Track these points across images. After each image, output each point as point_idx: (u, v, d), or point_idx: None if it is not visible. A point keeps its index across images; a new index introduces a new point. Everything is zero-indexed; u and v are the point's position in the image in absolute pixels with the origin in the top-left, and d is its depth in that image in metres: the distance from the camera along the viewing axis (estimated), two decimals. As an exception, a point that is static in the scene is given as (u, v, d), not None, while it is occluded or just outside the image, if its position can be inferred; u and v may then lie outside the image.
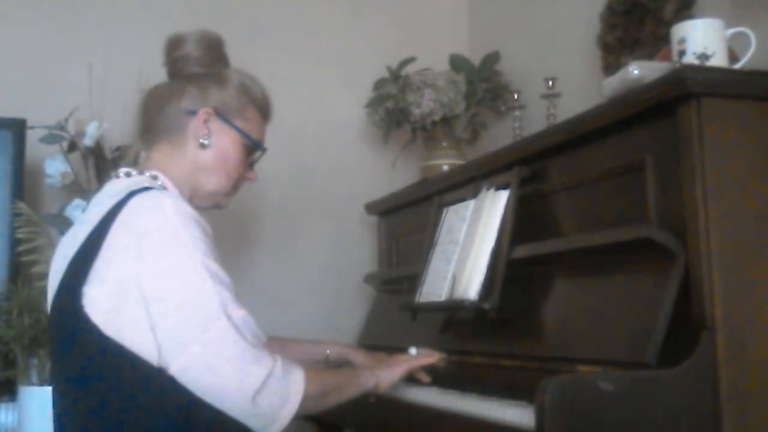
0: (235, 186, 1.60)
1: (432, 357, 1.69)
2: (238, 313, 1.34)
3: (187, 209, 1.38)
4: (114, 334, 1.31)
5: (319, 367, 1.83)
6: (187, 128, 1.52)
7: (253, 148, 1.59)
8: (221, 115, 1.53)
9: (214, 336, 1.30)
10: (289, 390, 1.35)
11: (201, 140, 1.52)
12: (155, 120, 1.54)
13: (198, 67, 1.56)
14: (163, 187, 1.47)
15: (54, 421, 1.43)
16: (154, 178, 1.49)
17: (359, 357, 1.81)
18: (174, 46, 1.59)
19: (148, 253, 1.32)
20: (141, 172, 1.49)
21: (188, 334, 1.30)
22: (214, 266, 1.35)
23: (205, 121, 1.52)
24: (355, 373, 1.58)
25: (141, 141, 1.59)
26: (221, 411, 1.32)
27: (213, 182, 1.54)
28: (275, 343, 1.77)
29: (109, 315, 1.31)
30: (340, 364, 1.84)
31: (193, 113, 1.52)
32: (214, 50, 1.59)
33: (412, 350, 1.72)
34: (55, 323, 1.43)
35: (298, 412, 1.36)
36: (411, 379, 1.69)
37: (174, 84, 1.57)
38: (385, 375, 1.59)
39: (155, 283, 1.31)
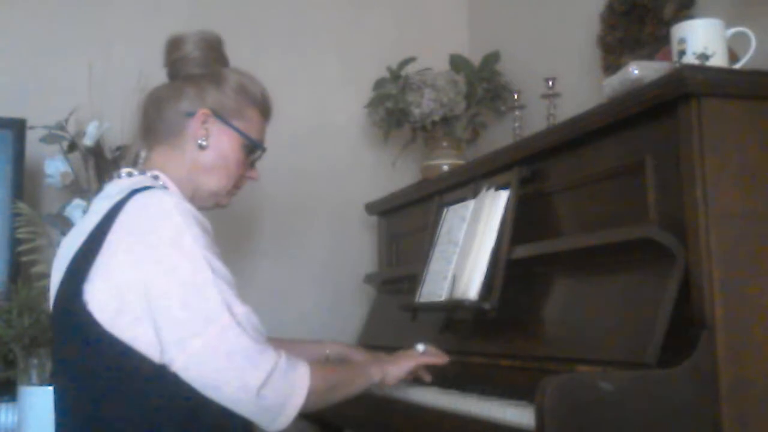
0: (236, 185, 1.60)
1: (440, 358, 1.69)
2: (241, 309, 1.34)
3: (188, 207, 1.38)
4: (116, 331, 1.31)
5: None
6: (186, 130, 1.52)
7: (252, 147, 1.59)
8: (219, 115, 1.53)
9: (217, 332, 1.30)
10: (294, 384, 1.35)
11: (199, 141, 1.52)
12: (154, 122, 1.55)
13: (197, 67, 1.56)
14: (164, 187, 1.47)
15: (56, 420, 1.42)
16: (155, 178, 1.49)
17: (359, 357, 1.81)
18: (173, 47, 1.59)
19: (150, 251, 1.32)
20: (142, 172, 1.50)
21: (191, 331, 1.29)
22: (216, 263, 1.35)
23: (203, 123, 1.52)
24: (363, 366, 1.58)
25: (142, 143, 1.59)
26: (225, 407, 1.32)
27: (213, 182, 1.55)
28: (274, 344, 1.77)
29: (112, 312, 1.31)
30: (340, 364, 1.84)
31: (190, 115, 1.52)
32: (213, 51, 1.59)
33: (420, 347, 1.70)
34: (57, 321, 1.43)
35: (304, 406, 1.36)
36: (413, 378, 1.69)
37: (172, 86, 1.57)
38: (392, 369, 1.59)
39: (157, 281, 1.31)
